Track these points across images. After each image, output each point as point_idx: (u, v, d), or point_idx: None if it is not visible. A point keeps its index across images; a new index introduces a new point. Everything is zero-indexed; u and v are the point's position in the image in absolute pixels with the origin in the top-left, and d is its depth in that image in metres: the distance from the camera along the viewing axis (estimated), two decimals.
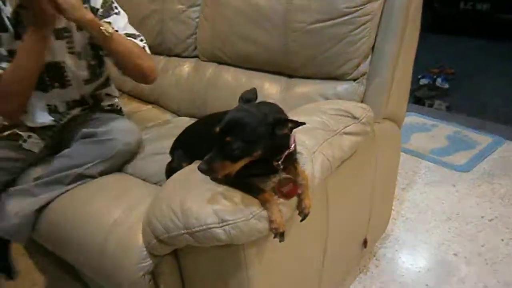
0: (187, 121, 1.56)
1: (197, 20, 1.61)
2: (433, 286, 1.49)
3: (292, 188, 0.86)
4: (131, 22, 1.34)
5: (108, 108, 1.44)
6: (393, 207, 1.71)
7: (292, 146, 0.86)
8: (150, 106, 1.78)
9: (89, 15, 1.14)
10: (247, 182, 0.85)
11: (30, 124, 1.28)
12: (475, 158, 2.28)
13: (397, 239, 1.73)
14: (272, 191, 0.84)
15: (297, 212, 0.87)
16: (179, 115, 1.67)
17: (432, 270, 1.56)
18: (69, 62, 1.26)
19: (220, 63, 1.57)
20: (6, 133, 1.25)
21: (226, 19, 1.44)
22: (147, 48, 1.31)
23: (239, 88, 1.48)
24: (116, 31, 1.21)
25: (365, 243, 1.45)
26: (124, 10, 1.33)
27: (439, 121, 2.71)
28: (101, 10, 1.24)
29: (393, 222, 1.80)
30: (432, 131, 2.60)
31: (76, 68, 1.29)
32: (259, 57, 1.40)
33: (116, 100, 1.49)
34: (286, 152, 0.84)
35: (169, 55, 1.74)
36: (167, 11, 1.67)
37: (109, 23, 1.21)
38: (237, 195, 0.84)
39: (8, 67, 1.13)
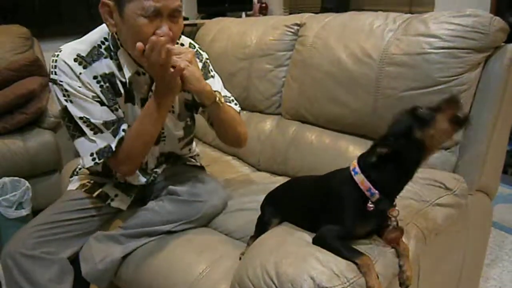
0: (267, 177, 1.60)
1: (283, 79, 1.67)
2: None
3: (398, 236, 0.89)
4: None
5: (190, 163, 1.47)
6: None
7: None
8: (230, 157, 1.83)
9: (208, 86, 1.17)
10: (347, 245, 0.85)
11: (133, 182, 1.32)
12: None
13: None
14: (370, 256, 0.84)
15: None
16: (258, 170, 1.70)
17: None
18: (169, 122, 1.29)
19: (303, 122, 1.60)
20: (95, 193, 1.30)
21: (315, 80, 1.48)
22: (240, 111, 1.34)
23: (322, 149, 1.50)
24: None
25: None
26: (214, 65, 1.38)
27: None
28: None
29: None
30: None
31: (173, 128, 1.32)
32: (346, 119, 1.41)
33: (197, 155, 1.53)
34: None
35: (252, 111, 1.81)
36: (254, 69, 1.76)
37: None
38: (333, 260, 0.82)
39: (129, 131, 1.17)
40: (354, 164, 0.89)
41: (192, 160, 1.49)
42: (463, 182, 1.16)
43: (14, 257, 1.16)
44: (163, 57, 1.02)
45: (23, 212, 1.91)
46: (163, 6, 1.03)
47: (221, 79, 1.37)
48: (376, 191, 0.85)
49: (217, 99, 1.18)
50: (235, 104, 1.34)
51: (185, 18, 3.69)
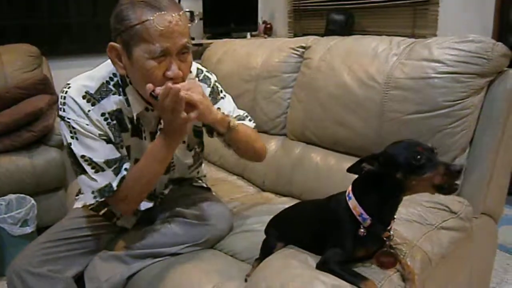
0: (272, 198, 1.60)
1: (288, 100, 1.69)
2: None
3: (391, 262, 0.89)
4: None
5: (196, 184, 1.47)
6: None
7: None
8: (235, 177, 1.84)
9: (220, 115, 1.16)
10: (351, 270, 0.86)
11: (140, 207, 1.32)
12: None
13: None
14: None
15: None
16: (263, 190, 1.71)
17: None
18: (178, 152, 1.29)
19: (308, 143, 1.61)
20: (101, 212, 1.28)
21: (320, 103, 1.50)
22: (255, 126, 1.35)
23: (327, 170, 1.50)
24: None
25: None
26: None
27: None
28: (209, 99, 1.21)
29: None
30: None
31: (183, 157, 1.33)
32: (351, 141, 1.42)
33: (203, 176, 1.54)
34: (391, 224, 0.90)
35: (257, 132, 1.82)
36: (260, 91, 1.78)
37: (219, 109, 1.24)
38: (338, 284, 0.83)
39: (132, 169, 1.16)
40: (349, 190, 0.91)
41: (199, 181, 1.49)
42: (467, 205, 1.17)
43: (20, 274, 1.16)
44: (176, 103, 1.01)
45: (28, 230, 1.92)
46: (171, 46, 1.01)
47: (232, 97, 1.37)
48: (368, 217, 0.87)
49: (231, 124, 1.19)
50: (250, 121, 1.36)
51: (191, 38, 3.75)
